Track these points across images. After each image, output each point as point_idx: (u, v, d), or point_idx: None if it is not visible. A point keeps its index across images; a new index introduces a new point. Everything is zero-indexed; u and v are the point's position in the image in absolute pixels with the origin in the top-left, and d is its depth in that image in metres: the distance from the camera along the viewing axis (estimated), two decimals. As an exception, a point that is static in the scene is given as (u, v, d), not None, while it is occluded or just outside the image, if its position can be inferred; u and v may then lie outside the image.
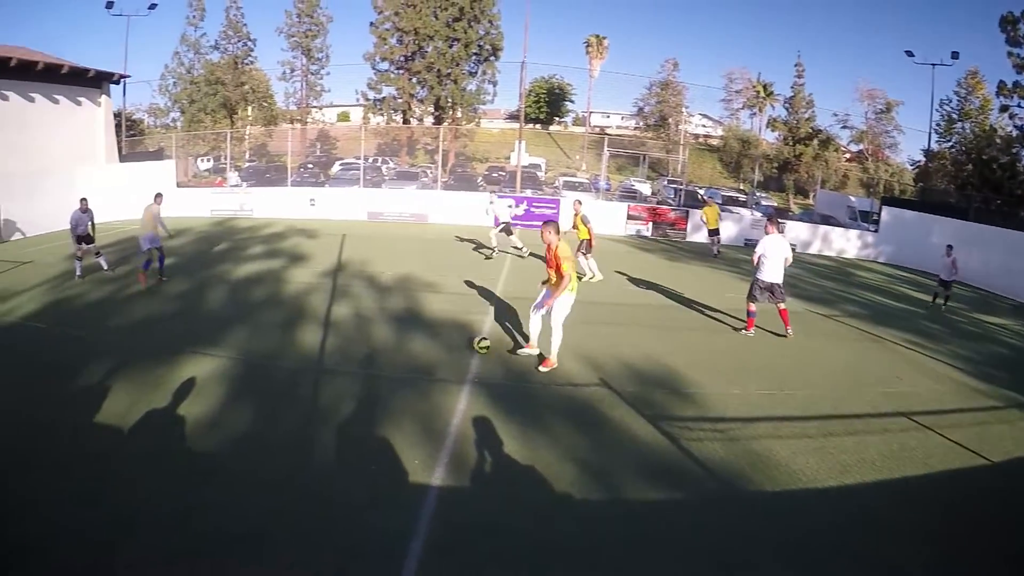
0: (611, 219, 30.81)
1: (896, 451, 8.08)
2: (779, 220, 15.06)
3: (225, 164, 42.12)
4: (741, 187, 55.86)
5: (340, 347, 11.65)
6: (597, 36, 73.63)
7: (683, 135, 68.12)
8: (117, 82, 33.94)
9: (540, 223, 10.81)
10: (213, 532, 5.97)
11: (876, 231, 30.10)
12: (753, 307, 13.14)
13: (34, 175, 25.69)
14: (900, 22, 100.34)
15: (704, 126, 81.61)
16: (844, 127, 60.49)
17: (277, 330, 12.67)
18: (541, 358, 10.61)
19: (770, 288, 13.06)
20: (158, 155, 39.73)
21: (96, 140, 31.35)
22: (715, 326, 13.89)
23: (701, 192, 41.54)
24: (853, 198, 40.71)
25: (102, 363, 10.50)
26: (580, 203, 19.38)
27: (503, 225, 21.09)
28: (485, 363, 10.75)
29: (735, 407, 9.29)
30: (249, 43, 60.19)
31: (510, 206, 22.21)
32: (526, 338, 11.42)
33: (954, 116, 51.42)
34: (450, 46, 53.49)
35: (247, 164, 51.21)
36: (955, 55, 44.62)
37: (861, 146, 61.27)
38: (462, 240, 24.70)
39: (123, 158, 34.61)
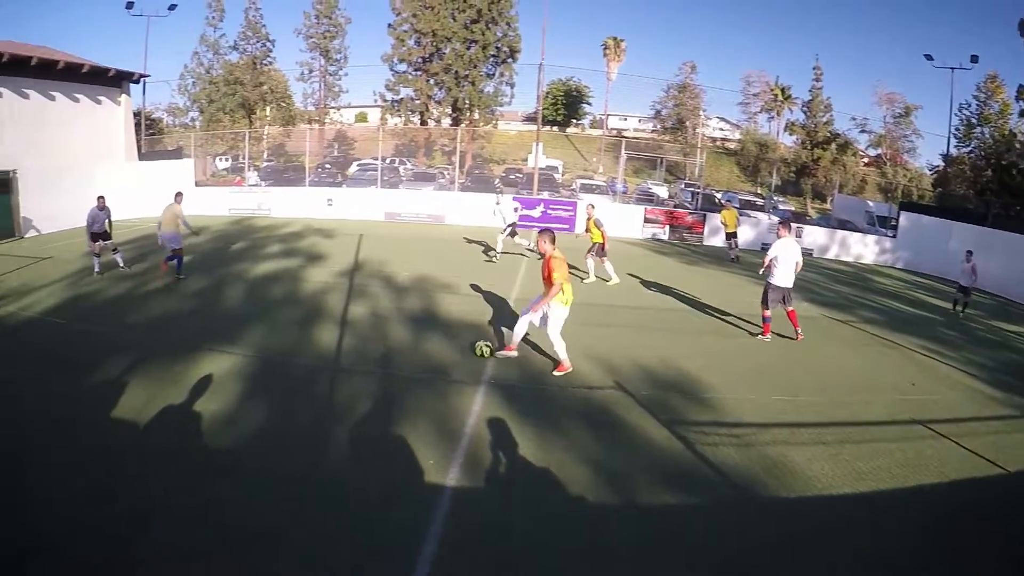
0: (628, 222, 30.76)
1: (912, 459, 8.00)
2: (793, 224, 14.98)
3: (243, 163, 42.33)
4: (758, 191, 55.69)
5: (356, 346, 11.71)
6: (615, 38, 73.68)
7: (700, 138, 67.92)
8: (137, 81, 34.15)
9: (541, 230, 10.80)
10: (230, 528, 6.02)
11: (894, 236, 29.81)
12: (768, 312, 13.09)
13: (54, 172, 25.99)
14: (919, 25, 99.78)
15: (721, 129, 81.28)
16: (862, 131, 60.05)
17: (294, 328, 12.75)
18: (556, 364, 10.60)
19: (784, 293, 13.05)
20: (177, 154, 39.97)
21: (116, 138, 31.56)
22: (731, 331, 13.85)
23: (718, 196, 41.42)
24: (871, 203, 40.40)
25: (120, 359, 10.60)
26: (593, 207, 19.41)
27: (509, 228, 21.09)
28: (500, 365, 10.77)
29: (750, 412, 9.25)
30: (268, 44, 60.49)
31: (516, 208, 22.09)
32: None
33: (973, 121, 50.85)
34: (468, 48, 53.53)
35: (265, 164, 51.46)
36: (974, 59, 44.45)
37: (879, 150, 60.86)
38: (470, 242, 24.66)
39: (142, 157, 34.88)
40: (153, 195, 24.40)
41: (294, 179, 41.03)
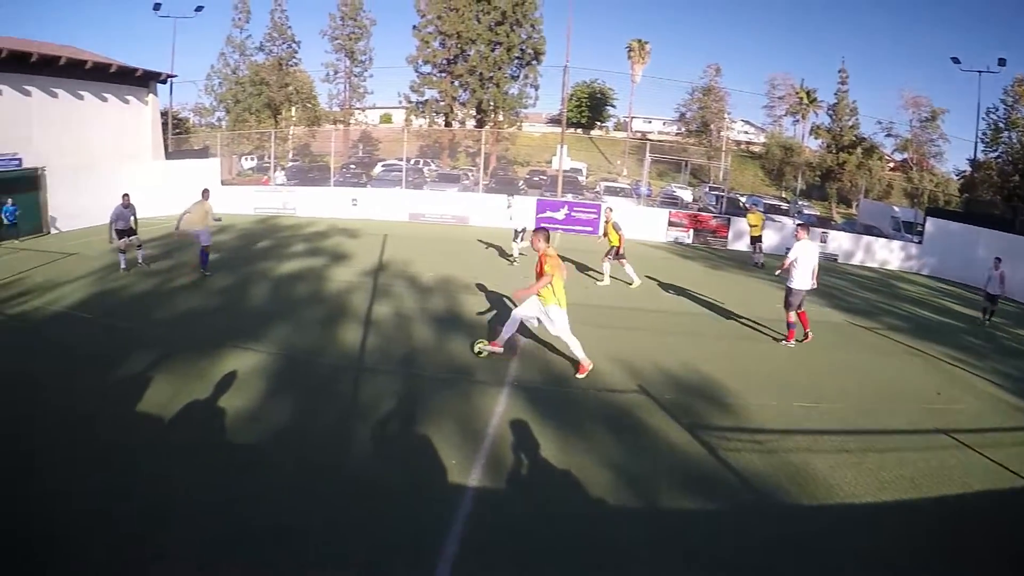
0: (652, 225, 30.74)
1: (935, 469, 7.91)
2: (811, 227, 14.87)
3: (269, 163, 42.64)
4: (783, 195, 55.37)
5: (380, 345, 11.76)
6: (639, 41, 73.53)
7: (725, 141, 67.77)
8: (164, 81, 34.57)
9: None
10: (252, 524, 6.10)
11: (920, 243, 29.44)
12: (792, 317, 13.03)
13: (82, 170, 26.48)
14: (946, 28, 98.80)
15: (746, 132, 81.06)
16: (888, 135, 59.53)
17: (318, 327, 12.84)
18: (577, 365, 10.58)
19: (804, 295, 13.03)
20: (203, 153, 40.38)
21: (143, 137, 32.00)
22: (755, 335, 13.78)
23: (743, 199, 41.25)
24: (897, 208, 40.05)
25: (146, 354, 10.75)
26: (611, 210, 19.44)
27: (522, 231, 20.91)
28: (524, 366, 10.81)
29: (773, 418, 9.20)
30: (293, 45, 61.03)
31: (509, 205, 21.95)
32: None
33: (1001, 125, 50.27)
34: (492, 50, 53.60)
35: (290, 163, 51.80)
36: (1002, 62, 44.03)
37: (905, 155, 60.27)
38: (488, 246, 24.46)
39: (169, 155, 35.36)
40: (180, 193, 24.71)
41: (319, 179, 41.32)
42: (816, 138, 64.14)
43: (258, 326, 12.67)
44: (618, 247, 17.87)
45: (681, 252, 27.47)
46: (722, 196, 37.61)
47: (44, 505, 6.31)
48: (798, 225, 14.03)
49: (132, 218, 17.55)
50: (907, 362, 12.88)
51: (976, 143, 48.57)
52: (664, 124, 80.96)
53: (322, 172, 43.79)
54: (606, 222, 18.43)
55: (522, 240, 20.40)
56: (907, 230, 33.07)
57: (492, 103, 55.28)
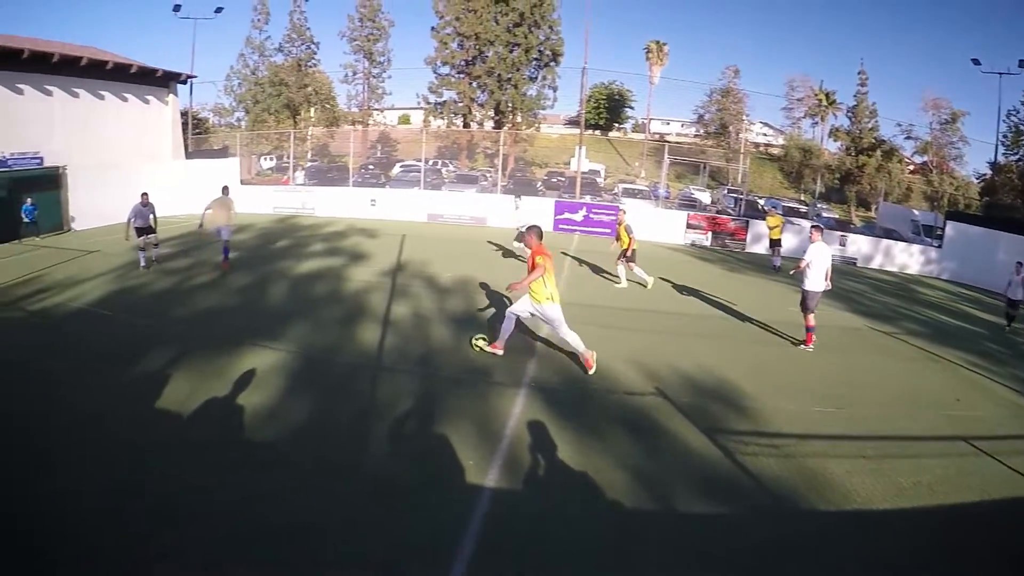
0: (670, 228, 30.68)
1: (953, 476, 7.84)
2: (824, 228, 14.74)
3: (288, 163, 42.87)
4: (802, 198, 55.11)
5: (398, 345, 11.82)
6: (657, 42, 73.24)
7: (743, 143, 67.40)
8: (184, 82, 34.92)
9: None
10: (269, 521, 6.16)
11: (939, 247, 29.16)
12: (812, 321, 12.97)
13: (102, 169, 26.83)
14: (966, 29, 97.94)
15: (765, 135, 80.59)
16: (908, 138, 58.76)
17: (336, 326, 12.92)
18: (584, 361, 10.63)
19: (818, 298, 13.02)
20: (223, 153, 40.74)
21: (163, 137, 32.38)
22: (773, 339, 13.72)
23: (761, 202, 41.09)
24: (916, 212, 39.78)
25: (164, 351, 10.90)
26: (624, 212, 19.40)
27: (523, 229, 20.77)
28: (541, 367, 10.83)
29: (791, 423, 9.16)
30: (312, 46, 61.10)
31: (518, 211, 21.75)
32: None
33: (1022, 127, 49.75)
34: (510, 51, 53.55)
35: (309, 164, 52.02)
36: (1023, 63, 43.56)
37: (925, 158, 59.72)
38: (497, 248, 24.15)
39: (189, 155, 35.69)
40: (200, 193, 24.95)
41: (338, 179, 41.46)
42: (835, 140, 63.56)
43: (276, 324, 12.77)
44: (626, 249, 17.88)
45: (699, 255, 27.36)
46: (740, 198, 37.45)
47: (58, 502, 6.40)
48: (812, 227, 13.97)
49: (151, 216, 17.79)
50: (926, 367, 12.79)
51: (997, 146, 48.10)
52: (682, 126, 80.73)
53: (341, 172, 43.95)
54: (619, 224, 18.40)
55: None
56: (927, 234, 32.88)
57: (510, 104, 55.21)
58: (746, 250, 29.74)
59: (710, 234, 30.61)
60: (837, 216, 46.61)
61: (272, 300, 15.09)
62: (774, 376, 11.27)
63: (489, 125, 56.69)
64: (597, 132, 78.21)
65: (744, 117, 69.58)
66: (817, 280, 12.86)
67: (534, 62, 54.87)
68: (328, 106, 61.24)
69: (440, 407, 9.05)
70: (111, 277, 16.77)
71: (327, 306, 14.52)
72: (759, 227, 28.75)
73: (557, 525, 6.32)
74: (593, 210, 30.96)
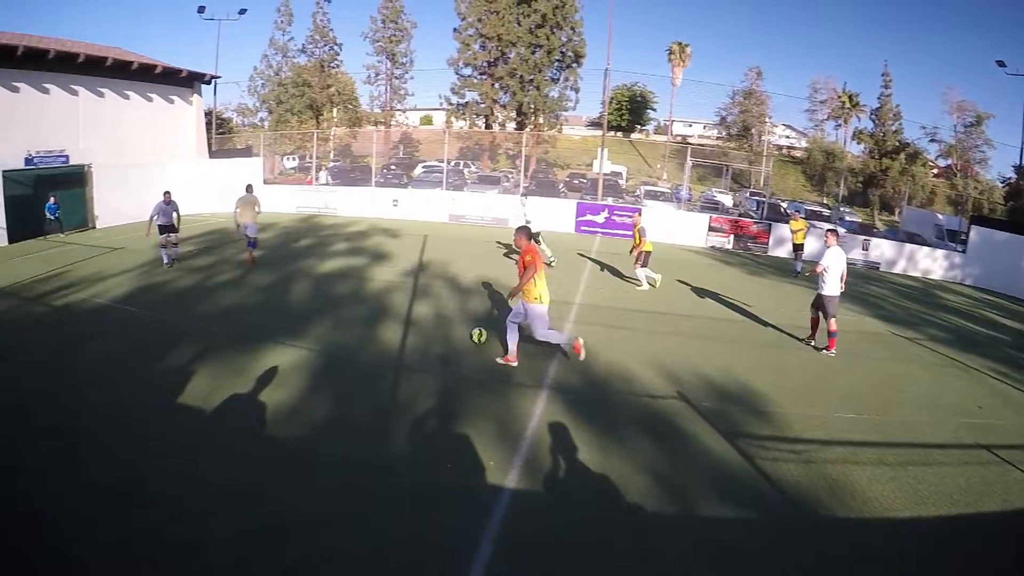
0: (692, 231, 30.55)
1: (975, 485, 7.77)
2: (839, 232, 14.60)
3: (310, 163, 43.16)
4: (825, 201, 54.74)
5: (419, 345, 11.88)
6: (680, 43, 73.13)
7: (766, 146, 67.01)
8: (208, 82, 35.23)
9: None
10: (287, 517, 6.24)
11: (963, 251, 28.80)
12: (834, 325, 12.88)
13: (127, 168, 27.22)
14: (992, 31, 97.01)
15: (788, 137, 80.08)
16: (932, 140, 58.35)
17: (358, 325, 13.02)
18: (571, 346, 10.81)
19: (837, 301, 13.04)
20: (246, 153, 41.06)
21: (187, 137, 32.74)
22: (795, 344, 13.62)
23: (784, 205, 40.86)
24: (940, 216, 39.37)
25: (188, 347, 11.08)
26: (640, 214, 19.41)
27: (533, 232, 20.63)
28: (563, 369, 10.86)
29: (812, 428, 9.12)
30: (335, 47, 61.77)
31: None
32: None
33: (1047, 130, 49.28)
34: (533, 52, 53.62)
35: (331, 164, 52.33)
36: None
37: (949, 161, 59.21)
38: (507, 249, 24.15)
39: (213, 155, 36.10)
40: (223, 192, 25.28)
41: (360, 179, 41.66)
42: (858, 143, 63.28)
43: (299, 323, 12.90)
44: (634, 249, 17.90)
45: (721, 258, 27.20)
46: (763, 201, 37.23)
47: (80, 497, 6.52)
48: (828, 231, 13.88)
49: (174, 215, 18.03)
50: (949, 374, 12.66)
51: (1022, 149, 47.59)
52: (705, 128, 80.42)
53: (363, 173, 44.18)
54: (635, 226, 18.37)
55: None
56: (950, 238, 32.48)
57: (532, 106, 55.30)
58: (768, 253, 29.58)
59: (732, 237, 30.46)
60: (860, 220, 46.17)
61: (294, 298, 15.21)
62: (796, 381, 11.23)
63: (511, 126, 56.84)
64: (619, 134, 78.14)
65: (767, 119, 69.22)
66: (835, 284, 12.83)
67: (556, 63, 55.02)
68: (351, 107, 61.73)
69: (461, 407, 9.11)
70: (135, 274, 17.02)
71: (349, 305, 14.62)
72: (782, 230, 28.60)
73: (577, 528, 6.35)
74: (615, 212, 30.89)
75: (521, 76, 53.47)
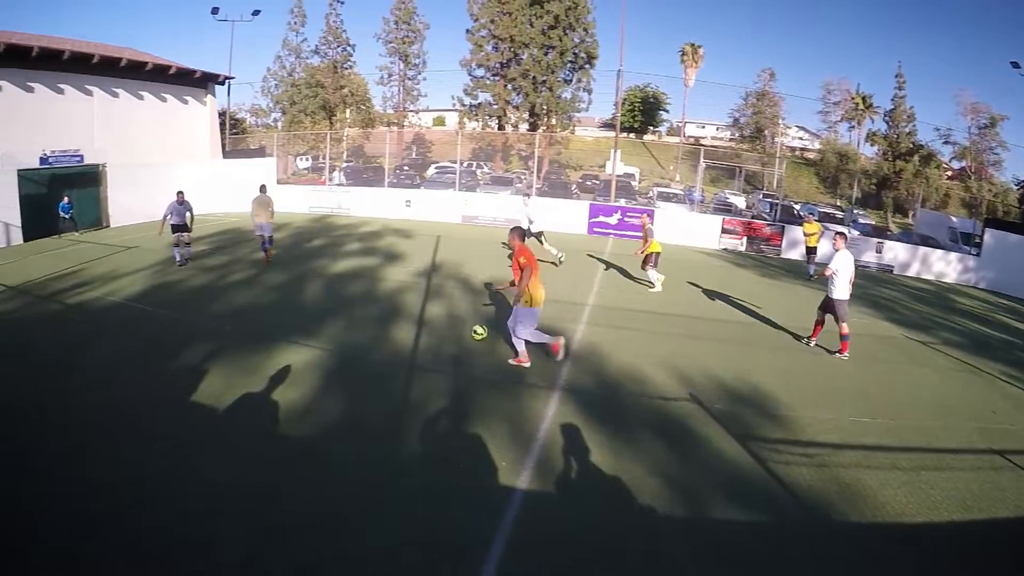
0: (705, 232, 30.45)
1: (988, 491, 7.71)
2: (847, 235, 14.46)
3: (323, 163, 43.32)
4: (838, 203, 54.54)
5: (432, 345, 11.91)
6: (692, 45, 73.09)
7: (779, 147, 66.81)
8: (222, 83, 35.45)
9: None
10: (299, 516, 6.28)
11: (977, 255, 28.56)
12: (846, 329, 12.87)
13: (140, 168, 27.48)
14: (1006, 32, 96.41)
15: (801, 139, 79.79)
16: (946, 142, 58.12)
17: (371, 325, 13.06)
18: (550, 350, 10.85)
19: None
20: (260, 153, 41.27)
21: (201, 137, 32.98)
22: (808, 347, 13.60)
23: (797, 207, 40.74)
24: (954, 218, 39.10)
25: (201, 346, 11.17)
26: (648, 215, 19.43)
27: (533, 230, 20.52)
28: (576, 371, 10.85)
29: (825, 432, 9.08)
30: (348, 48, 61.99)
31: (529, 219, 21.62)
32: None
33: (1063, 132, 48.96)
34: (545, 54, 53.64)
35: (344, 164, 52.52)
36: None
37: (963, 163, 58.89)
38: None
39: (226, 155, 36.32)
40: (236, 192, 25.45)
41: (373, 180, 41.80)
42: (872, 145, 63.03)
43: (312, 322, 12.96)
44: (643, 249, 17.93)
45: (734, 260, 27.11)
46: (776, 203, 37.10)
47: (92, 495, 6.57)
48: (836, 234, 13.81)
49: (188, 215, 18.23)
50: (962, 379, 12.56)
51: (1037, 152, 47.25)
52: (717, 129, 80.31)
53: (376, 173, 44.33)
54: (643, 227, 18.37)
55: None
56: (964, 241, 32.26)
57: (545, 107, 55.31)
58: (781, 256, 29.46)
59: (745, 239, 30.37)
60: (873, 222, 46.02)
61: (307, 298, 15.27)
62: (808, 384, 11.19)
63: (524, 127, 56.88)
64: (632, 135, 78.04)
65: (780, 121, 69.03)
66: (844, 288, 12.81)
67: (569, 65, 55.03)
68: (363, 107, 61.89)
69: (473, 407, 9.13)
70: (149, 273, 17.14)
71: (362, 305, 14.66)
72: (795, 233, 28.47)
73: (588, 530, 6.36)
74: (628, 214, 30.79)
75: (534, 77, 53.49)
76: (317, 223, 29.32)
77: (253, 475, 7.05)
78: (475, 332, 11.66)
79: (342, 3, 60.42)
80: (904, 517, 6.98)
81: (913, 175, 54.31)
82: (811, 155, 73.34)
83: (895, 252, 29.27)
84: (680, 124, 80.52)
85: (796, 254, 28.10)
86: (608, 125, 71.36)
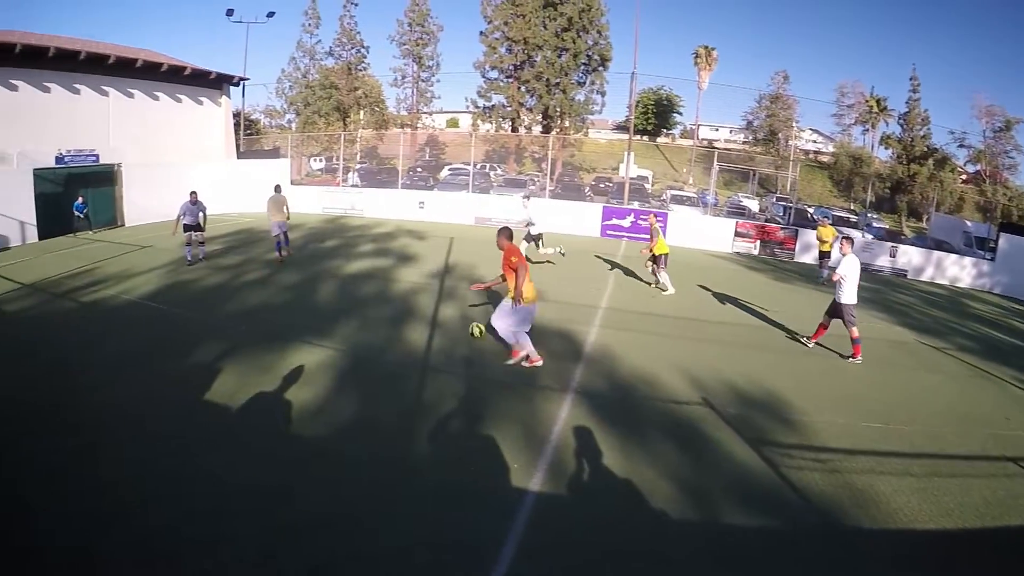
0: (718, 236, 30.38)
1: (1001, 498, 7.64)
2: (853, 239, 14.35)
3: (337, 165, 43.48)
4: (852, 207, 54.34)
5: (445, 346, 11.94)
6: (706, 47, 72.83)
7: (793, 150, 66.56)
8: (237, 84, 35.58)
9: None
10: (311, 516, 6.31)
11: (992, 259, 28.30)
12: (856, 332, 12.84)
13: (155, 168, 27.76)
14: (1021, 34, 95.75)
15: (815, 142, 79.41)
16: (960, 146, 57.81)
17: (384, 326, 13.10)
18: (510, 349, 10.99)
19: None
20: (274, 154, 41.51)
21: (216, 138, 33.18)
22: (820, 351, 13.48)
23: (811, 210, 40.61)
24: (969, 223, 38.87)
25: (213, 345, 11.24)
26: (656, 217, 19.41)
27: (532, 232, 20.63)
28: (589, 373, 10.86)
29: (838, 437, 9.04)
30: (362, 50, 62.22)
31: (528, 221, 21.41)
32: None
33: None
34: (559, 56, 53.74)
35: (358, 166, 52.72)
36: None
37: (978, 167, 58.53)
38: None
39: (241, 156, 36.55)
40: (251, 192, 25.58)
41: (386, 181, 41.87)
42: (886, 148, 62.73)
43: (325, 322, 13.02)
44: (651, 249, 17.91)
45: (747, 263, 27.03)
46: (790, 207, 36.97)
47: (105, 492, 6.62)
48: (843, 239, 13.73)
49: (201, 215, 18.43)
50: (976, 385, 12.48)
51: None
52: (731, 132, 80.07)
53: (390, 174, 44.44)
54: (650, 227, 18.35)
55: (525, 239, 20.38)
56: (979, 246, 32.03)
57: (558, 109, 55.40)
58: (795, 259, 29.35)
59: (758, 243, 30.27)
60: (888, 226, 45.81)
61: (321, 298, 15.34)
62: (821, 389, 11.15)
63: (537, 129, 56.96)
64: (645, 138, 77.92)
65: (793, 123, 68.83)
66: (852, 293, 12.78)
67: (582, 67, 55.16)
68: (377, 109, 62.08)
69: (486, 409, 9.14)
70: (162, 272, 17.27)
71: (375, 306, 14.71)
72: (808, 236, 28.36)
73: (600, 533, 6.36)
74: (641, 216, 30.76)
75: (547, 79, 53.59)
76: (331, 224, 29.42)
77: (266, 475, 7.08)
78: (473, 331, 11.59)
79: (356, 5, 60.67)
80: (916, 524, 6.94)
81: (927, 179, 54.05)
82: (825, 158, 73.11)
83: (909, 256, 29.08)
84: (694, 127, 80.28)
85: (809, 258, 27.96)
86: (621, 127, 71.36)
